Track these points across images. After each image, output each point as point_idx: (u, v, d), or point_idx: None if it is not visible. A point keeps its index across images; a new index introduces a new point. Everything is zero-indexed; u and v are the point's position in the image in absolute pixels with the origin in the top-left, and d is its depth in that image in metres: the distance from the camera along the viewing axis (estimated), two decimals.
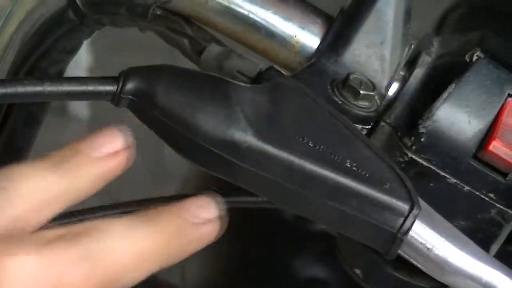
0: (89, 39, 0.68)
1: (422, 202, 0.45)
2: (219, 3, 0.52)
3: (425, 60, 0.51)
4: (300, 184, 0.44)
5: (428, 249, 0.45)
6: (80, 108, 2.46)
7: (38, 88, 0.45)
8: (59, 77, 0.60)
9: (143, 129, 0.46)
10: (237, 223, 0.95)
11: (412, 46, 0.52)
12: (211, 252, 0.94)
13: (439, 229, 0.46)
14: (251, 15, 0.51)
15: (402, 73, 0.51)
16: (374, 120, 0.50)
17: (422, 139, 0.48)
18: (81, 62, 2.32)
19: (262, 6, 0.51)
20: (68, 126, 2.52)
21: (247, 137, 0.44)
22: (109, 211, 0.53)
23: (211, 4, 0.52)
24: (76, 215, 0.52)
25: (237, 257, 0.96)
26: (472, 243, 0.47)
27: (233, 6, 0.52)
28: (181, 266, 1.00)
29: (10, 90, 0.45)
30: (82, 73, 2.17)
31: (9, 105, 0.64)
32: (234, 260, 0.96)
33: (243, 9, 0.51)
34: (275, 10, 0.51)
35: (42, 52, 0.59)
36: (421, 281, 0.49)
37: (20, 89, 0.46)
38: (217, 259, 0.96)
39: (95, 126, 2.60)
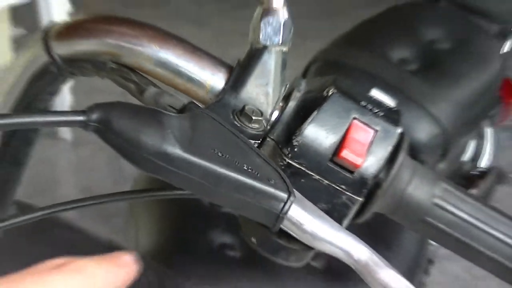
0: (70, 85, 0.68)
1: (296, 193, 0.50)
2: (154, 58, 0.55)
3: (296, 95, 0.55)
4: (212, 181, 0.49)
5: (301, 224, 0.50)
6: (65, 132, 2.69)
7: (31, 119, 0.49)
8: (46, 111, 0.63)
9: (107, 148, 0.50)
10: (174, 207, 1.00)
11: (287, 86, 0.56)
12: (158, 225, 0.99)
13: (308, 210, 0.51)
14: (176, 67, 0.55)
15: (281, 104, 0.55)
16: (263, 137, 0.54)
17: (295, 149, 0.53)
18: (65, 101, 2.42)
19: (184, 60, 0.55)
20: (56, 145, 2.67)
21: (175, 150, 0.48)
22: (82, 203, 0.57)
23: (148, 59, 0.55)
24: (56, 207, 0.57)
25: (175, 230, 0.99)
26: (330, 219, 0.51)
27: (163, 60, 0.55)
28: (135, 234, 1.03)
29: (12, 120, 0.49)
30: (66, 108, 2.24)
31: (13, 130, 0.66)
32: (173, 232, 0.99)
33: (171, 62, 0.55)
34: (193, 63, 0.55)
35: (34, 93, 0.61)
36: (296, 246, 0.53)
37: (19, 119, 0.50)
38: (162, 231, 0.99)
39: (76, 145, 2.63)
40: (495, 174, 1.22)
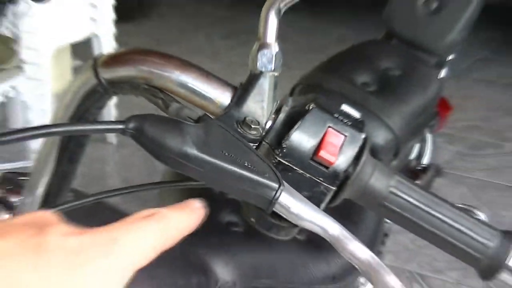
0: (114, 101, 0.66)
1: (285, 183, 0.50)
2: (176, 81, 0.55)
3: (285, 109, 0.55)
4: (220, 175, 0.48)
5: (288, 207, 0.50)
6: (111, 137, 2.68)
7: (83, 127, 0.50)
8: (95, 121, 0.61)
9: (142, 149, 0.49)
10: (192, 194, 1.02)
11: (278, 102, 0.55)
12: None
13: (294, 197, 0.50)
14: (193, 87, 0.55)
15: (273, 116, 0.54)
16: (259, 141, 0.54)
17: (284, 150, 0.52)
18: (111, 113, 2.53)
19: (199, 82, 0.55)
20: (105, 147, 2.68)
21: (193, 151, 0.47)
22: (124, 191, 0.57)
23: (172, 82, 0.55)
24: (103, 193, 0.57)
25: None
26: (311, 204, 0.51)
27: (183, 83, 0.55)
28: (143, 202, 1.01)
29: (69, 128, 0.50)
30: (111, 119, 2.29)
31: (69, 136, 0.65)
32: None
33: (189, 84, 0.55)
34: (206, 85, 0.55)
35: (85, 108, 0.61)
36: (285, 224, 0.52)
37: (74, 127, 0.50)
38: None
39: (119, 147, 2.65)
40: (434, 169, 1.23)
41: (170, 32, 3.73)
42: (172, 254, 0.81)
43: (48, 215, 0.36)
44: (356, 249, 0.50)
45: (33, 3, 1.26)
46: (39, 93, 2.36)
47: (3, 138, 0.45)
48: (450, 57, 1.20)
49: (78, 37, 2.54)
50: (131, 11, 3.52)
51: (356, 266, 0.51)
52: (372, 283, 0.50)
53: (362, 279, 1.07)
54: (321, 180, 0.53)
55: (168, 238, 0.38)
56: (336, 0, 3.32)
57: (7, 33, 2.22)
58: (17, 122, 2.59)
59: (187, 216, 0.40)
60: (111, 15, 2.64)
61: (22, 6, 2.13)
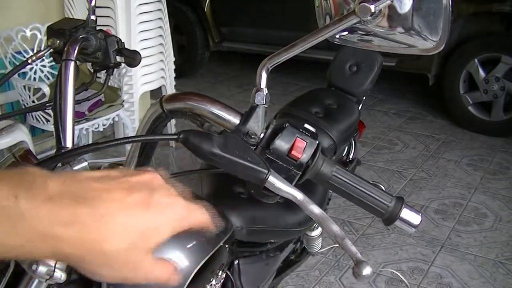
0: (173, 122, 0.64)
1: (271, 170, 0.48)
2: (207, 110, 0.52)
3: (271, 126, 0.52)
4: (233, 164, 0.46)
5: (273, 184, 0.47)
6: (172, 143, 2.53)
7: (152, 137, 0.49)
8: (160, 133, 0.58)
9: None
10: (217, 176, 0.98)
11: (268, 122, 0.53)
12: (210, 184, 0.94)
13: (277, 178, 0.48)
14: (217, 114, 0.52)
15: (264, 130, 0.52)
16: (256, 145, 0.51)
17: (271, 150, 0.50)
18: (172, 129, 2.43)
19: (220, 111, 0.52)
20: (168, 148, 2.58)
21: (217, 151, 0.46)
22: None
23: (204, 110, 0.53)
24: None
25: (218, 186, 0.93)
26: (287, 182, 0.49)
27: (211, 111, 0.52)
28: (201, 188, 0.95)
29: (144, 138, 0.47)
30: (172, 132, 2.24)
31: (145, 142, 0.61)
32: (217, 186, 0.94)
33: (214, 112, 0.52)
34: (224, 112, 0.52)
35: (155, 126, 0.57)
36: (271, 194, 0.49)
37: (147, 138, 0.50)
38: (212, 187, 0.94)
39: (176, 149, 2.54)
40: (356, 161, 1.22)
41: (205, 84, 3.72)
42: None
43: (156, 177, 0.33)
44: (313, 208, 0.49)
45: (128, 68, 1.28)
46: (132, 118, 2.38)
47: (111, 143, 0.45)
48: (364, 98, 1.19)
49: (154, 86, 2.54)
50: (184, 72, 3.54)
51: (312, 218, 0.49)
52: (321, 227, 0.49)
53: (316, 225, 1.06)
54: (292, 168, 0.51)
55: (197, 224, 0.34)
56: (301, 65, 3.32)
57: (114, 84, 2.23)
58: (120, 135, 2.58)
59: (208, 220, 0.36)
60: (172, 74, 2.63)
61: (122, 68, 2.16)
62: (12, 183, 0.27)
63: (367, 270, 0.44)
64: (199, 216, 0.34)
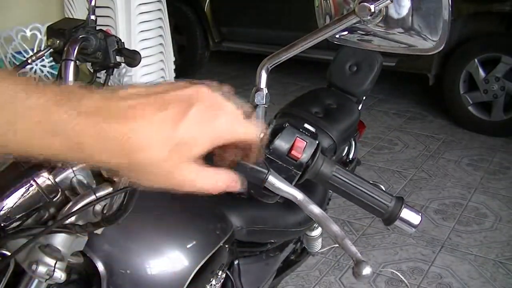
0: None
1: (271, 170, 0.47)
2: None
3: (271, 126, 0.51)
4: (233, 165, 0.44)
5: (273, 184, 0.45)
6: None
7: None
8: None
9: None
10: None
11: (268, 122, 0.54)
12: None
13: (277, 178, 0.48)
14: None
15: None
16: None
17: (271, 150, 0.49)
18: None
19: None
20: None
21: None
22: None
23: None
24: None
25: None
26: (287, 182, 0.48)
27: None
28: None
29: None
30: None
31: None
32: None
33: None
34: None
35: None
36: (271, 194, 0.49)
37: None
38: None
39: None
40: (356, 161, 1.22)
41: None
42: (204, 210, 0.79)
43: (199, 91, 0.32)
44: (312, 208, 0.48)
45: (128, 67, 1.26)
46: None
47: None
48: (364, 98, 1.19)
49: None
50: (184, 72, 3.55)
51: (312, 218, 0.49)
52: (321, 227, 0.49)
53: (316, 225, 1.05)
54: (292, 168, 0.50)
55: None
56: (301, 65, 3.32)
57: (114, 84, 2.24)
58: None
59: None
60: (172, 74, 2.62)
61: (122, 68, 2.14)
62: (55, 95, 0.30)
63: (367, 270, 0.44)
64: (245, 132, 0.34)
